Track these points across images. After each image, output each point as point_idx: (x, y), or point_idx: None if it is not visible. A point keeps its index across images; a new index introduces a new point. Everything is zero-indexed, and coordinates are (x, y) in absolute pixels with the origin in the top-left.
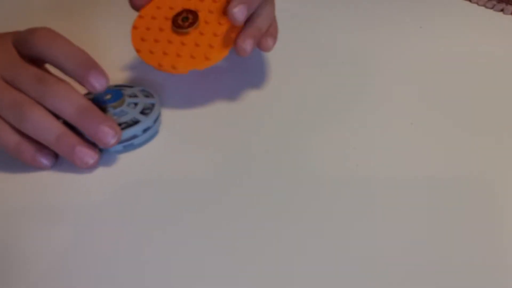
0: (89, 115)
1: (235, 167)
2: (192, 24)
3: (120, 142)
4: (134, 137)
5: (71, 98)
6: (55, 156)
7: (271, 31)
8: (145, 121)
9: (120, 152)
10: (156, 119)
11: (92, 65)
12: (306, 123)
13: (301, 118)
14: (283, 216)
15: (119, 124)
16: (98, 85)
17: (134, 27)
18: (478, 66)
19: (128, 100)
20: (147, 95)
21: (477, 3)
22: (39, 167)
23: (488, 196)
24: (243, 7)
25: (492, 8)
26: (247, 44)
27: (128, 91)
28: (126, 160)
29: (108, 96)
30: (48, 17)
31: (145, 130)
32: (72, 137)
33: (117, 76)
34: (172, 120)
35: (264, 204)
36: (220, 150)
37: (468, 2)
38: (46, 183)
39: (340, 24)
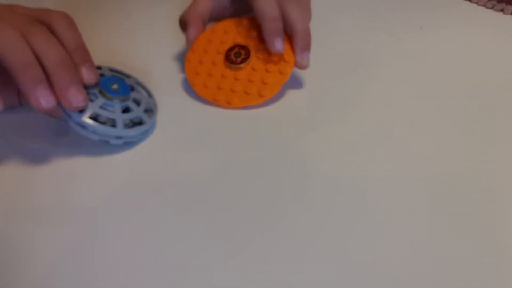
0: (66, 70)
1: (234, 166)
2: (244, 60)
3: (121, 138)
4: (135, 136)
5: (55, 46)
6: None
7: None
8: (148, 123)
9: (118, 145)
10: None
11: (83, 62)
12: (305, 123)
13: (300, 118)
14: (282, 216)
15: (131, 122)
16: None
17: (187, 60)
18: (478, 66)
19: (132, 95)
20: (146, 91)
21: (477, 3)
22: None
23: (488, 196)
24: (307, 54)
25: (492, 8)
26: (306, 61)
27: (128, 81)
28: (125, 159)
29: (115, 86)
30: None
31: (146, 132)
32: (38, 72)
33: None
34: (169, 119)
35: (263, 204)
36: (219, 149)
37: (468, 2)
38: (46, 182)
39: (340, 24)
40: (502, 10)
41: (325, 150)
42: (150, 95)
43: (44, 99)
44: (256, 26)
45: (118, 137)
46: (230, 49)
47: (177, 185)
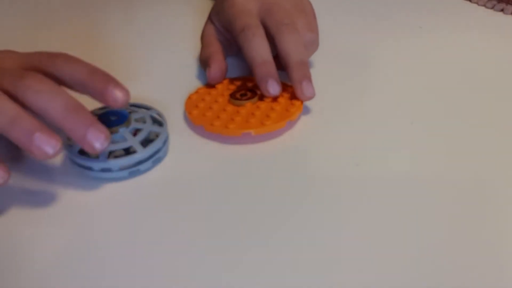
0: (77, 116)
1: (234, 166)
2: (249, 99)
3: (148, 159)
4: (140, 163)
5: (56, 96)
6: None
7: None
8: (163, 132)
9: (126, 178)
10: (157, 151)
11: (110, 79)
12: (305, 122)
13: (299, 117)
14: (282, 217)
15: (145, 141)
16: (121, 97)
17: (189, 98)
18: (478, 66)
19: (133, 116)
20: (159, 121)
21: (477, 3)
22: None
23: (488, 196)
24: (307, 84)
25: (492, 8)
26: (309, 91)
27: (139, 113)
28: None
29: (114, 117)
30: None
31: (165, 141)
32: (29, 121)
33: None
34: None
35: (263, 204)
36: (220, 148)
37: (468, 2)
38: (46, 183)
39: (340, 23)
40: (502, 10)
41: (324, 149)
42: (148, 108)
43: (46, 146)
44: None
45: (141, 162)
46: (236, 91)
47: (179, 191)
